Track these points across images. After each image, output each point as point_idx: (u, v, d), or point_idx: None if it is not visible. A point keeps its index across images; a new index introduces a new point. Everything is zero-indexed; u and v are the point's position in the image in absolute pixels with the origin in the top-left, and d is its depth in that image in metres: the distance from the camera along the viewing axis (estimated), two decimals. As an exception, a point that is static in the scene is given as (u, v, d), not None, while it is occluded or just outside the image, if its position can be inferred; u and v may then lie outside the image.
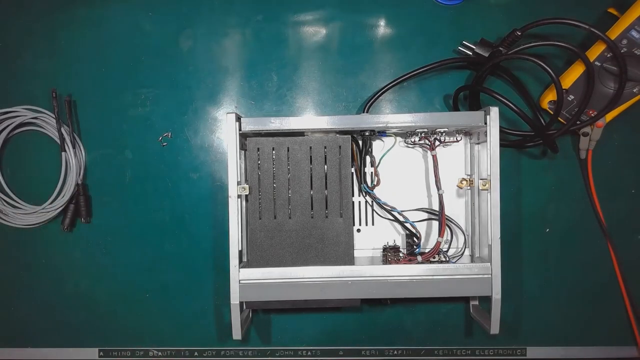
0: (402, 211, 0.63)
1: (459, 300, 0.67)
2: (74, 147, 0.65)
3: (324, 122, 0.57)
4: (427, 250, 0.62)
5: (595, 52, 0.61)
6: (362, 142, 0.63)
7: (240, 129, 0.57)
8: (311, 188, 0.60)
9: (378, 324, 0.68)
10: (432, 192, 0.65)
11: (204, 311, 0.68)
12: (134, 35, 0.67)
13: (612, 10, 0.64)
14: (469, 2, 0.67)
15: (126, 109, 0.67)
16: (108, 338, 0.68)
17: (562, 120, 0.64)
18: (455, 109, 0.66)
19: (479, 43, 0.64)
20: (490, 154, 0.57)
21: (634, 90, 0.61)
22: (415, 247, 0.62)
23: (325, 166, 0.59)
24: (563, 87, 0.61)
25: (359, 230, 0.65)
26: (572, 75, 0.62)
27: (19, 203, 0.66)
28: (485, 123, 0.57)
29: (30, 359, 0.69)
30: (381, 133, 0.62)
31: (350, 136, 0.60)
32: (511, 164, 0.67)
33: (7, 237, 0.68)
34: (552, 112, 0.64)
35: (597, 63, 0.61)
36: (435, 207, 0.64)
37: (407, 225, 0.63)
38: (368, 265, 0.59)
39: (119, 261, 0.68)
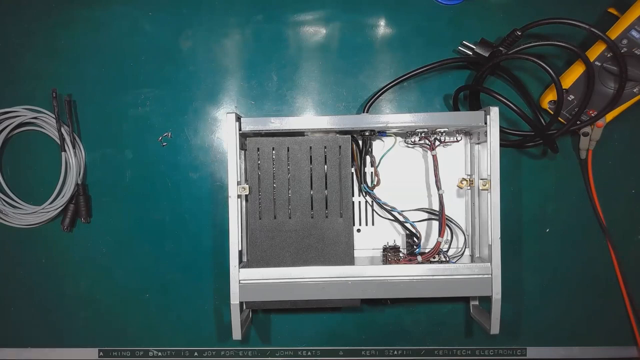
0: (402, 211, 0.63)
1: (459, 300, 0.67)
2: (73, 147, 0.65)
3: (324, 122, 0.57)
4: (427, 250, 0.61)
5: (595, 52, 0.61)
6: (362, 142, 0.63)
7: (240, 129, 0.57)
8: (311, 188, 0.59)
9: (378, 324, 0.68)
10: (432, 192, 0.65)
11: (204, 311, 0.68)
12: (134, 36, 0.67)
13: (612, 10, 0.64)
14: (469, 2, 0.67)
15: (126, 109, 0.67)
16: (108, 338, 0.68)
17: (562, 120, 0.64)
18: (456, 109, 0.66)
19: (479, 43, 0.64)
20: (490, 154, 0.57)
21: (634, 90, 0.61)
22: (415, 247, 0.62)
23: (325, 166, 0.59)
24: (563, 87, 0.61)
25: (359, 230, 0.65)
26: (572, 75, 0.62)
27: (18, 203, 0.66)
28: (486, 123, 0.57)
29: (30, 359, 0.69)
30: (381, 133, 0.62)
31: (350, 136, 0.60)
32: (511, 164, 0.67)
33: (7, 237, 0.68)
34: (552, 112, 0.64)
35: (597, 63, 0.61)
36: (435, 207, 0.64)
37: (407, 225, 0.63)
38: (368, 265, 0.59)
39: (118, 261, 0.68)
